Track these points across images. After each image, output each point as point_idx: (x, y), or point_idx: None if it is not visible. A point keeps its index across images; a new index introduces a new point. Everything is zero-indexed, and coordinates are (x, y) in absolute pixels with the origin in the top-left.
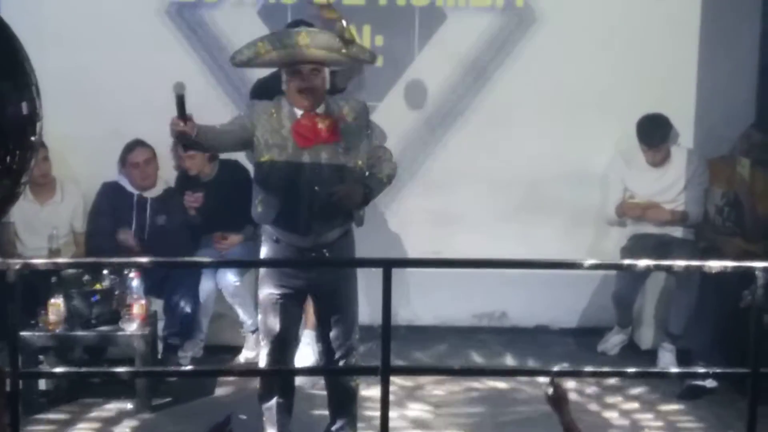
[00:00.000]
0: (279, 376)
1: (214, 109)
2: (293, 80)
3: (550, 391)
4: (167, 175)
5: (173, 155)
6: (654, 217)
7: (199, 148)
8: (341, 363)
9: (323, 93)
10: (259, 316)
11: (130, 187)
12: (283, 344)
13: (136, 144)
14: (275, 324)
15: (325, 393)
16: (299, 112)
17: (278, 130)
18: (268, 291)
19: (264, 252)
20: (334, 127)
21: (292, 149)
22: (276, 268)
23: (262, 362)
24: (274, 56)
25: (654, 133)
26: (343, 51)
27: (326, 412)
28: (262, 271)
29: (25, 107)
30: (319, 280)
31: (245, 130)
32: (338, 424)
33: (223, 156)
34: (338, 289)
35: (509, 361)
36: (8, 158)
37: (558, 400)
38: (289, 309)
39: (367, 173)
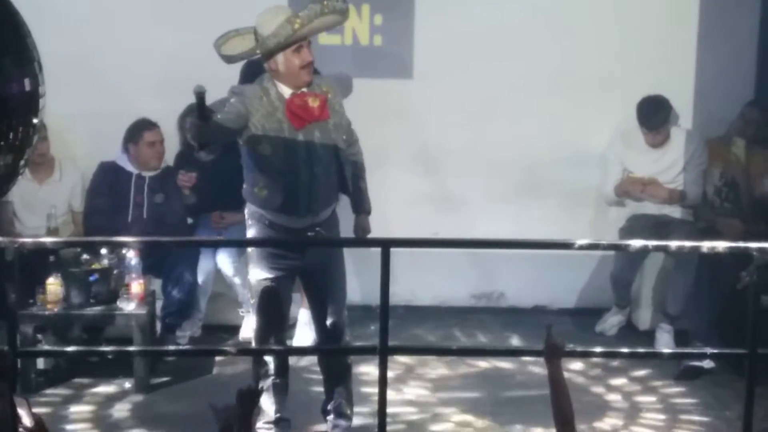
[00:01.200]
0: (274, 357)
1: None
2: (296, 57)
3: (546, 342)
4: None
5: (179, 130)
6: (653, 194)
7: (213, 145)
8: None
9: None
10: (252, 300)
11: (129, 167)
12: (277, 326)
13: (151, 124)
14: (269, 306)
15: (320, 375)
16: (287, 93)
17: (273, 114)
18: (259, 274)
19: (252, 235)
20: (324, 104)
21: (288, 132)
22: (276, 248)
23: (255, 343)
24: (305, 31)
25: (654, 115)
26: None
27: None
28: (252, 254)
29: (27, 83)
30: (312, 259)
31: (241, 116)
32: (335, 401)
33: None
34: (329, 267)
35: (507, 341)
36: (11, 134)
37: (551, 352)
38: (282, 290)
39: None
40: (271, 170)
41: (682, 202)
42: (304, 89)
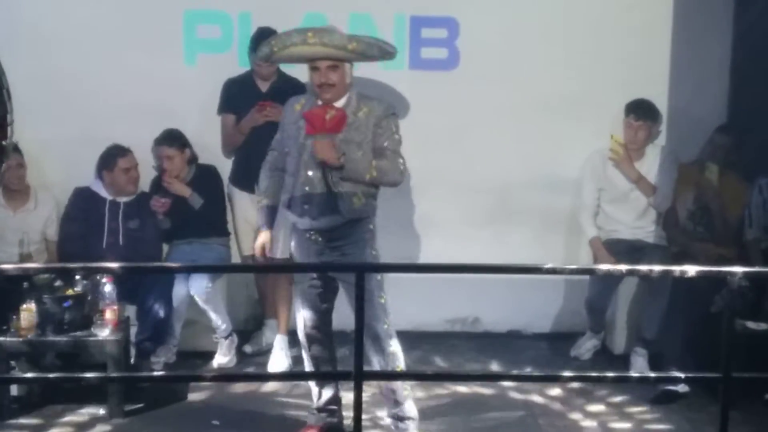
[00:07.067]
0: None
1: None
2: (313, 75)
3: None
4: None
5: (154, 156)
6: (625, 169)
7: None
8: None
9: (344, 88)
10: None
11: (103, 192)
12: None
13: (124, 150)
14: (303, 308)
15: (296, 400)
16: (319, 103)
17: (296, 122)
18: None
19: (292, 237)
20: (339, 119)
21: (302, 137)
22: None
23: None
24: (285, 53)
25: (645, 106)
26: (349, 48)
27: (300, 417)
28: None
29: None
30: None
31: (282, 130)
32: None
33: (201, 160)
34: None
35: (482, 366)
36: None
37: None
38: (315, 291)
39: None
40: (288, 170)
41: (651, 194)
42: (338, 103)
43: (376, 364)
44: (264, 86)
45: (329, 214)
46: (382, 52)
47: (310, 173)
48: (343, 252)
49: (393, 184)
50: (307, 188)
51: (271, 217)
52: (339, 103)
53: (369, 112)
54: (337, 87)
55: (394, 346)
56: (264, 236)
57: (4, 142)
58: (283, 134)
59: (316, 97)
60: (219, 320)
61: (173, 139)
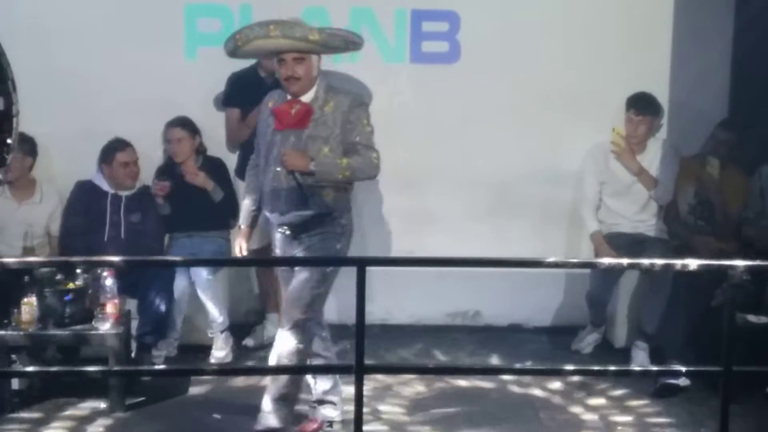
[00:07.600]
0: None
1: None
2: (280, 69)
3: None
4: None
5: (163, 142)
6: (626, 162)
7: None
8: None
9: (311, 80)
10: None
11: (105, 186)
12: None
13: (125, 144)
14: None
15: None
16: (287, 98)
17: (266, 118)
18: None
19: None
20: (304, 114)
21: (270, 134)
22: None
23: None
24: (249, 47)
25: (646, 100)
26: (311, 39)
27: (301, 410)
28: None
29: (1, 102)
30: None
31: (258, 127)
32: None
33: (209, 152)
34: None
35: (483, 359)
36: None
37: None
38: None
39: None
40: (260, 167)
41: (652, 187)
42: (304, 97)
43: (278, 347)
44: (270, 80)
45: (297, 210)
46: (347, 42)
47: (278, 169)
48: (305, 245)
49: (368, 178)
50: (275, 184)
51: (250, 213)
52: (306, 97)
53: (336, 107)
54: (303, 80)
55: (301, 343)
56: (242, 233)
57: (9, 139)
58: (258, 131)
59: (286, 91)
60: (216, 312)
61: (185, 123)
